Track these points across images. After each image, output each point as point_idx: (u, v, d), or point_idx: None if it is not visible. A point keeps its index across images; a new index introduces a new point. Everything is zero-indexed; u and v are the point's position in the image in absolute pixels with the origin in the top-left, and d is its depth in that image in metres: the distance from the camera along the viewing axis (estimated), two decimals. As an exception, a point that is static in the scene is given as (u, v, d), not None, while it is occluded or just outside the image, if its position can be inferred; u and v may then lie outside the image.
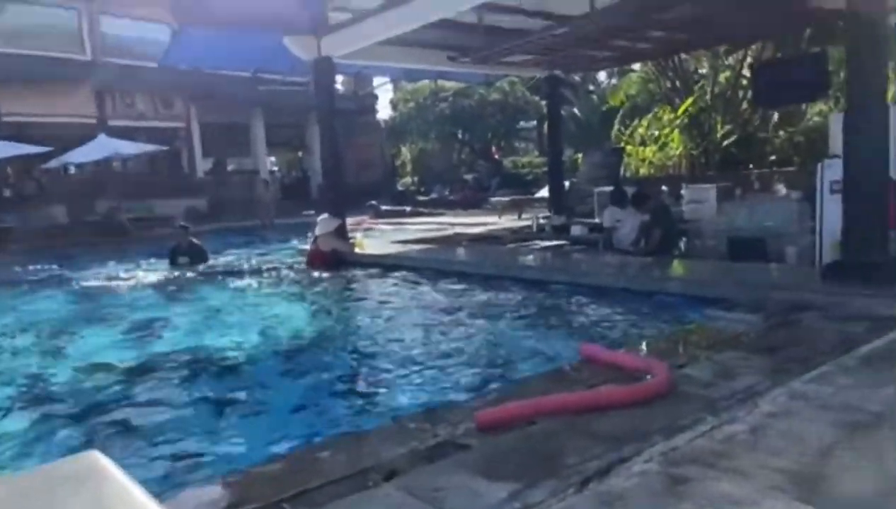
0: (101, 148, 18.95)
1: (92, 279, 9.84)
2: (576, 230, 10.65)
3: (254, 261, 10.86)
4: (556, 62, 11.48)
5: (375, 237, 13.18)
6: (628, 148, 17.78)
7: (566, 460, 2.31)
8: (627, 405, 2.76)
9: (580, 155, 19.98)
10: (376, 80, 28.85)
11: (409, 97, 29.72)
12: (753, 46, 15.62)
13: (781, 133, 16.97)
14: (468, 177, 29.69)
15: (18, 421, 3.91)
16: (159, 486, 2.61)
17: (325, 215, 9.91)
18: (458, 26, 9.54)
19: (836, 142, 5.66)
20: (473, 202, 22.81)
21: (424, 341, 5.29)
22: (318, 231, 9.69)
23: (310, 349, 5.44)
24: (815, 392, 2.91)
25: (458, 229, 13.53)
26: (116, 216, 17.97)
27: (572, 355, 3.97)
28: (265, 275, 9.35)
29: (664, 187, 12.54)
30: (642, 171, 17.05)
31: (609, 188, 10.56)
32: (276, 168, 32.25)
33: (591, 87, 25.01)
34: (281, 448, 3.15)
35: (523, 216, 15.36)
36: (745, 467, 2.23)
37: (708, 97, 17.11)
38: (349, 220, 11.55)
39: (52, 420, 3.92)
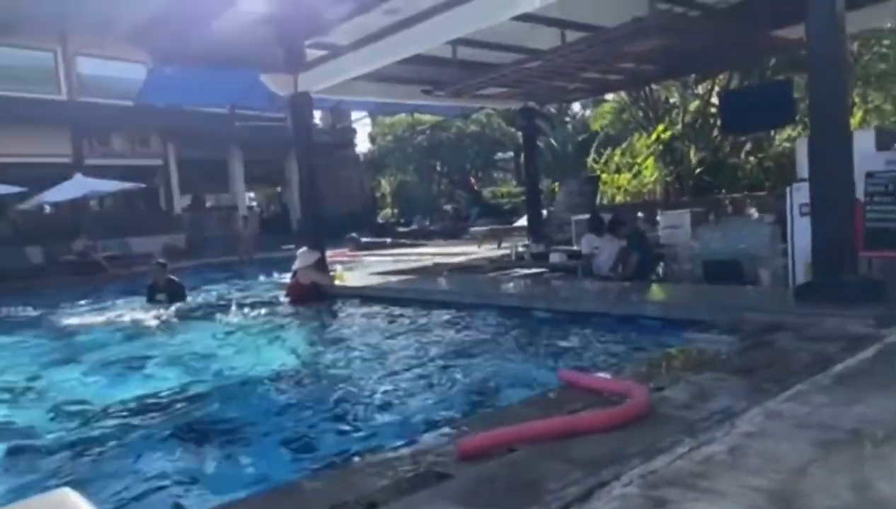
0: (77, 187, 18.83)
1: (67, 319, 9.68)
2: (554, 257, 10.74)
3: (233, 297, 10.77)
4: (529, 94, 11.70)
5: (356, 269, 13.16)
6: (604, 176, 18.07)
7: (547, 486, 2.31)
8: (607, 429, 2.77)
9: (557, 184, 20.24)
10: (354, 114, 29.19)
11: (388, 130, 30.03)
12: (721, 76, 16.07)
13: (752, 158, 17.38)
14: (447, 207, 29.92)
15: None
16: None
17: (305, 248, 9.89)
18: (433, 60, 9.71)
19: (804, 166, 5.81)
20: (453, 232, 22.93)
21: (405, 371, 5.27)
22: (297, 264, 9.66)
23: (289, 383, 5.39)
24: (791, 411, 2.95)
25: (439, 259, 13.56)
26: (92, 255, 17.75)
27: (553, 381, 3.98)
28: (244, 310, 9.27)
29: (640, 213, 12.74)
30: (618, 199, 17.32)
31: (586, 216, 10.71)
32: (254, 203, 32.23)
33: (567, 118, 25.46)
34: (260, 484, 3.11)
35: (503, 245, 15.46)
36: (724, 487, 2.24)
37: (679, 125, 17.51)
38: (329, 253, 11.54)
39: (24, 459, 3.83)
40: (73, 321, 9.46)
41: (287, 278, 10.09)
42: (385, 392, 4.72)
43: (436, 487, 2.40)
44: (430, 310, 7.68)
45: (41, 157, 20.24)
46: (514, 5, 7.11)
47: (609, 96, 18.96)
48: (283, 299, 9.59)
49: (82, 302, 11.88)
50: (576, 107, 25.83)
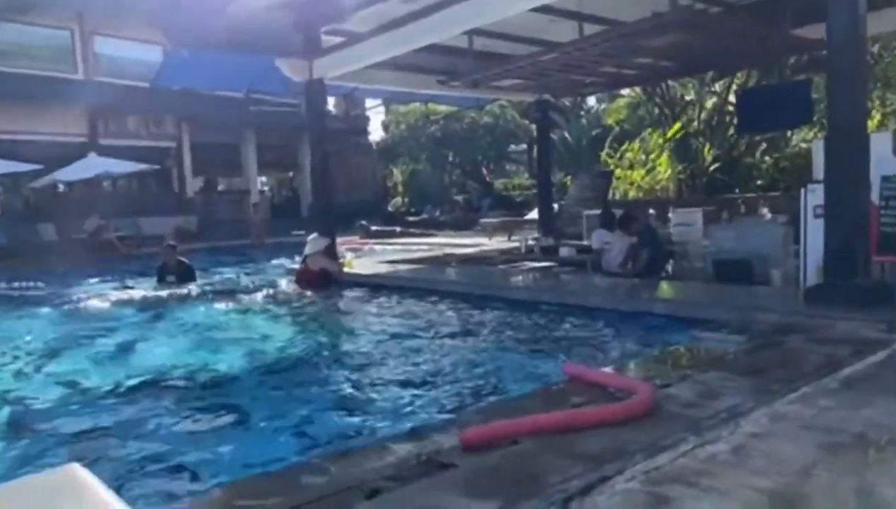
0: (91, 166, 18.96)
1: (78, 297, 9.77)
2: (564, 251, 10.71)
3: (243, 280, 10.84)
4: (544, 86, 11.64)
5: (365, 257, 13.19)
6: (617, 171, 17.98)
7: (549, 479, 2.32)
8: (611, 424, 2.77)
9: (570, 177, 20.16)
10: (368, 102, 29.14)
11: (401, 119, 29.96)
12: (739, 74, 15.91)
13: (767, 158, 17.23)
14: (459, 198, 29.86)
15: (-1, 439, 3.87)
16: (141, 502, 2.60)
17: (315, 234, 9.92)
18: (449, 50, 9.68)
19: (820, 167, 5.76)
20: (464, 223, 22.91)
21: (411, 360, 5.29)
22: (307, 250, 9.69)
23: (296, 368, 5.43)
24: (798, 413, 2.94)
25: (448, 250, 13.56)
26: (104, 234, 17.89)
27: (558, 374, 3.98)
28: (254, 294, 9.32)
29: (652, 210, 12.67)
30: (631, 194, 17.24)
31: (598, 211, 10.67)
32: (266, 187, 32.32)
33: (581, 112, 25.32)
34: (265, 466, 3.14)
35: (513, 237, 15.44)
36: (727, 486, 2.24)
37: (695, 123, 17.38)
38: (339, 240, 11.57)
39: (33, 436, 3.88)
40: (83, 299, 9.55)
41: (297, 264, 10.13)
42: (390, 380, 4.74)
43: (439, 476, 2.42)
44: (438, 300, 7.69)
45: (56, 136, 20.37)
46: (533, -4, 7.06)
47: (624, 91, 18.83)
48: (291, 284, 9.63)
49: (93, 280, 11.99)
50: (591, 101, 25.69)
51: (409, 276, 9.41)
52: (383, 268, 10.30)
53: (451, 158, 30.17)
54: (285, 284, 9.76)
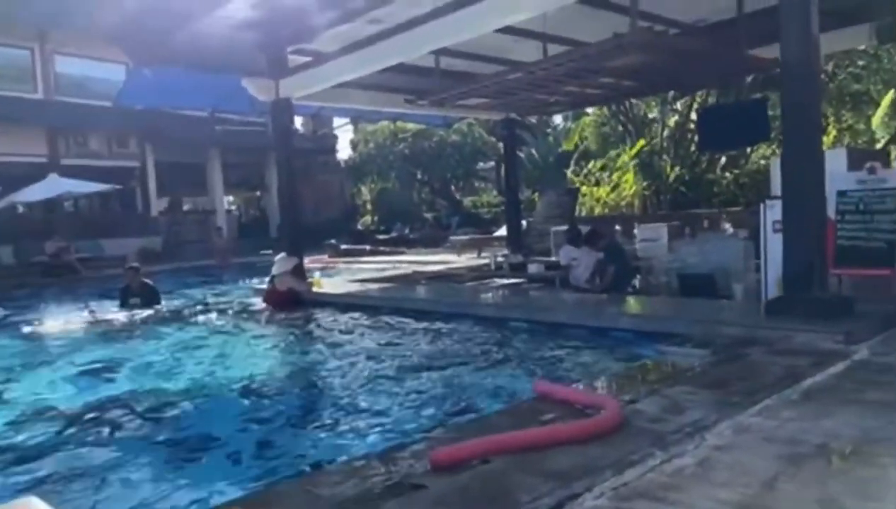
0: (51, 187, 18.54)
1: (36, 321, 9.50)
2: (533, 268, 10.80)
3: (208, 302, 10.66)
4: (510, 105, 11.79)
5: (334, 276, 13.10)
6: (583, 188, 18.23)
7: (519, 497, 2.32)
8: (580, 441, 2.79)
9: (537, 194, 20.39)
10: (336, 120, 29.12)
11: (369, 137, 29.98)
12: (699, 93, 16.32)
13: (728, 175, 17.66)
14: (428, 215, 29.92)
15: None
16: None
17: (283, 254, 9.84)
18: (416, 70, 9.76)
19: (778, 184, 5.92)
20: (433, 241, 22.93)
21: (380, 380, 5.25)
22: (275, 270, 9.59)
23: (262, 390, 5.34)
24: (760, 425, 3.00)
25: (418, 267, 13.55)
26: (65, 256, 17.45)
27: (527, 392, 4.00)
28: (219, 316, 9.18)
29: (618, 226, 12.89)
30: (597, 211, 17.47)
31: (565, 227, 10.79)
32: (233, 207, 31.94)
33: (548, 129, 25.67)
34: (231, 491, 3.08)
35: (482, 254, 15.51)
36: (693, 500, 2.27)
37: (658, 140, 17.74)
38: (307, 259, 11.48)
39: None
40: (43, 324, 9.29)
41: (264, 284, 10.01)
42: (358, 400, 4.70)
43: (408, 497, 2.40)
44: (407, 319, 7.67)
45: (15, 156, 19.85)
46: (499, 18, 7.18)
47: (589, 110, 19.16)
48: (259, 305, 9.51)
49: (53, 304, 11.67)
50: (557, 119, 26.07)
51: (378, 295, 9.37)
52: (352, 288, 10.25)
53: (419, 176, 30.26)
54: (253, 305, 9.63)
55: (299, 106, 10.99)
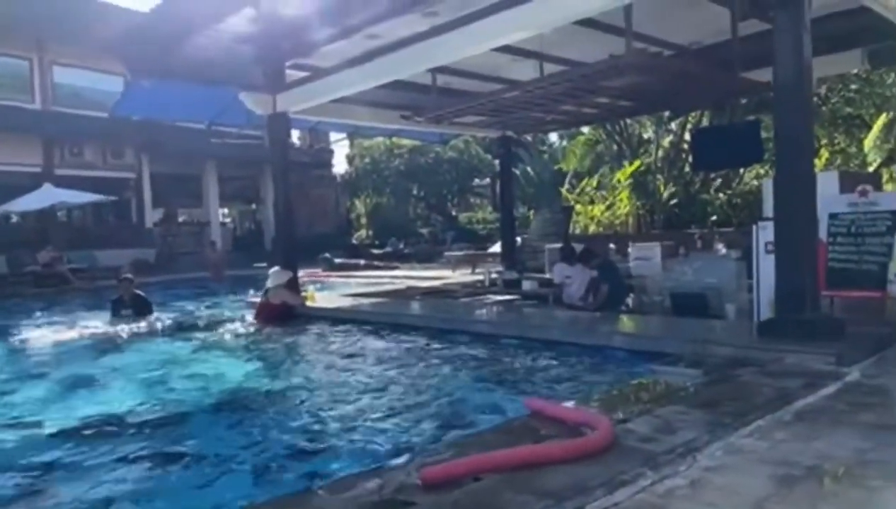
0: (45, 197, 18.51)
1: (27, 333, 9.43)
2: (527, 285, 10.80)
3: (201, 314, 10.62)
4: (506, 123, 11.86)
5: (328, 290, 13.07)
6: (577, 206, 18.29)
7: (510, 516, 2.31)
8: (570, 460, 2.78)
9: (532, 212, 20.45)
10: (333, 135, 29.22)
11: (365, 152, 30.08)
12: (693, 113, 16.47)
13: (721, 195, 17.76)
14: (423, 231, 29.95)
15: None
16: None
17: (277, 268, 9.82)
18: (413, 87, 9.82)
19: (770, 205, 5.97)
20: (428, 256, 22.95)
21: (372, 395, 5.23)
22: (269, 283, 9.57)
23: (255, 404, 5.31)
24: (752, 446, 3.00)
25: (412, 283, 13.54)
26: (57, 267, 17.38)
27: (520, 409, 3.99)
28: (212, 328, 9.14)
29: (612, 245, 12.93)
30: (591, 229, 17.53)
31: (559, 245, 10.82)
32: (228, 219, 31.93)
33: (543, 147, 25.81)
34: (223, 507, 3.05)
35: (476, 270, 15.52)
36: (684, 521, 2.27)
37: (652, 160, 17.86)
38: (301, 273, 11.46)
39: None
40: (34, 335, 9.23)
41: (258, 297, 9.98)
42: (350, 416, 4.67)
43: (398, 515, 2.39)
44: (400, 334, 7.65)
45: (9, 166, 19.82)
46: (496, 37, 7.24)
47: (584, 129, 19.29)
48: (252, 318, 9.48)
49: (45, 314, 11.60)
50: (552, 137, 26.24)
51: (371, 310, 9.35)
52: (346, 302, 10.23)
53: (415, 192, 30.33)
54: (246, 318, 9.59)
55: (296, 120, 11.03)
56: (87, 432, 4.58)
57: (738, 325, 6.53)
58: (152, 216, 24.13)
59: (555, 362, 5.95)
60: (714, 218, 16.48)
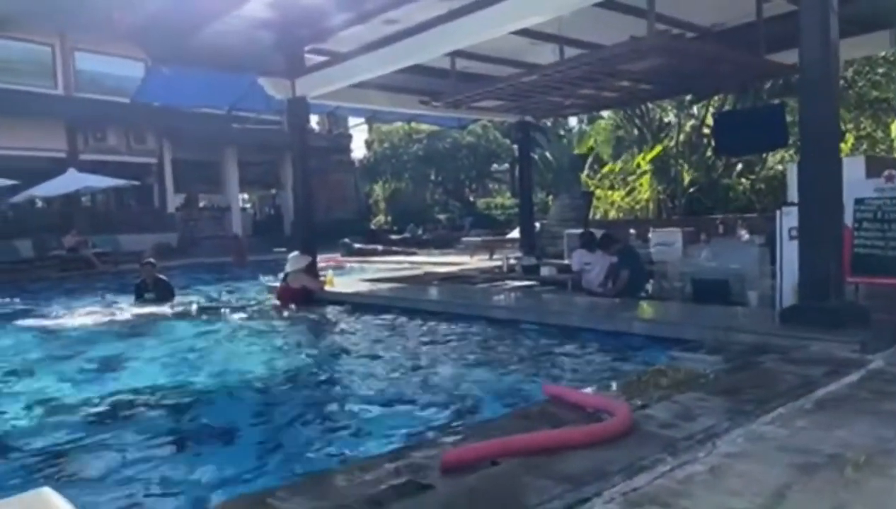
0: (70, 182, 18.77)
1: (54, 314, 9.61)
2: (545, 271, 10.77)
3: (222, 298, 10.75)
4: (525, 108, 11.77)
5: (346, 275, 13.14)
6: (597, 192, 18.16)
7: (528, 500, 2.32)
8: (590, 445, 2.78)
9: (551, 197, 20.33)
10: (351, 120, 29.24)
11: (384, 137, 30.06)
12: (716, 97, 16.21)
13: (744, 180, 17.52)
14: (441, 216, 29.94)
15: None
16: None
17: (296, 253, 9.89)
18: (431, 71, 9.78)
19: (794, 190, 5.88)
20: (446, 242, 22.94)
21: (391, 379, 5.27)
22: (288, 268, 9.65)
23: (275, 387, 5.38)
24: (773, 433, 2.97)
25: (430, 268, 13.56)
26: (82, 250, 17.66)
27: (537, 394, 3.99)
28: (232, 312, 9.24)
29: (632, 230, 12.83)
30: (611, 215, 17.41)
31: (578, 230, 10.76)
32: (248, 205, 32.16)
33: (562, 132, 25.59)
34: (243, 488, 3.10)
35: (494, 256, 15.49)
36: (703, 507, 2.26)
37: (673, 144, 17.64)
38: (320, 258, 11.52)
39: (4, 458, 3.80)
40: (60, 317, 9.40)
41: (277, 281, 10.07)
42: (369, 400, 4.71)
43: (417, 498, 2.41)
44: (418, 319, 7.68)
45: (35, 151, 20.15)
46: (514, 20, 7.17)
47: (604, 113, 19.10)
48: (272, 302, 9.56)
49: (70, 297, 11.81)
50: (572, 121, 25.99)
51: (389, 295, 9.39)
52: (364, 287, 10.28)
53: (433, 177, 30.28)
54: (266, 302, 9.68)
55: (315, 105, 11.04)
56: (111, 411, 4.68)
57: (761, 312, 6.45)
58: (174, 201, 24.39)
59: (574, 348, 5.93)
60: (736, 203, 16.27)
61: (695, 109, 17.76)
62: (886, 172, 5.60)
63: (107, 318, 8.96)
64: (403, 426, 4.06)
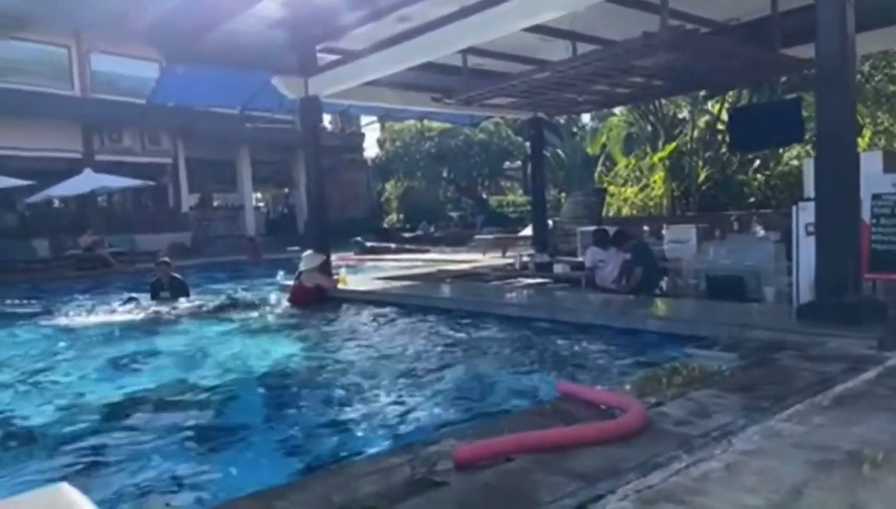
0: (85, 182, 18.96)
1: (71, 313, 9.72)
2: (558, 268, 10.74)
3: (236, 297, 10.80)
4: (538, 105, 11.73)
5: (360, 273, 13.18)
6: (610, 188, 18.07)
7: (542, 497, 2.31)
8: (604, 442, 2.77)
9: (564, 195, 20.26)
10: (364, 119, 29.28)
11: (396, 136, 30.08)
12: (730, 92, 16.07)
13: (759, 176, 17.36)
14: (454, 214, 29.93)
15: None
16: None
17: (310, 251, 9.93)
18: (443, 68, 9.77)
19: (811, 185, 5.81)
20: (458, 240, 22.94)
21: (405, 376, 5.28)
22: (302, 267, 9.69)
23: (290, 385, 5.41)
24: (790, 430, 2.95)
25: (443, 266, 13.57)
26: (98, 250, 17.85)
27: (551, 392, 3.98)
28: (247, 310, 9.30)
29: (646, 227, 12.75)
30: (624, 211, 17.31)
31: (591, 227, 10.71)
32: (261, 204, 32.33)
33: (575, 129, 25.48)
34: (259, 485, 3.12)
35: (507, 254, 15.47)
36: (719, 505, 2.24)
37: (688, 140, 17.51)
38: (334, 256, 11.56)
39: (23, 454, 3.85)
40: (77, 316, 9.50)
41: (291, 280, 10.12)
42: (383, 397, 4.73)
43: (430, 494, 2.41)
44: (431, 317, 7.69)
45: (51, 151, 20.38)
46: (527, 17, 7.15)
47: (617, 110, 18.98)
48: (286, 301, 9.61)
49: (86, 297, 11.93)
50: (585, 118, 25.86)
51: (403, 293, 9.40)
52: (378, 285, 10.30)
53: (445, 175, 30.27)
54: (279, 300, 9.74)
55: (328, 104, 11.07)
56: (127, 409, 4.72)
57: (777, 309, 6.40)
58: (188, 201, 24.59)
59: (587, 345, 5.91)
60: (752, 199, 16.12)
61: (709, 105, 17.62)
62: (905, 167, 5.53)
63: (123, 317, 9.06)
64: (416, 422, 4.07)
